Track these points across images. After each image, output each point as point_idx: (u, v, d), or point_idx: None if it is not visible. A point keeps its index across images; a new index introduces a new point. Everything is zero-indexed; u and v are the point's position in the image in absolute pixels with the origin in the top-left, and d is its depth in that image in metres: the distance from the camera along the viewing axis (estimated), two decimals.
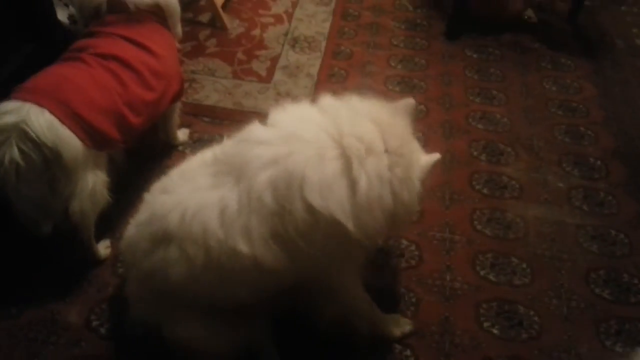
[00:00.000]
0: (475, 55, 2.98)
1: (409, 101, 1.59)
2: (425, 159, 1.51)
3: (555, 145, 2.48)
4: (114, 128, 1.77)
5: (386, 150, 1.40)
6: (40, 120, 1.58)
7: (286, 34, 3.00)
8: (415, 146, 1.52)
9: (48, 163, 1.61)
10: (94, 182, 1.74)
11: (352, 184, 1.35)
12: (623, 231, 2.11)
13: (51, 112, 1.60)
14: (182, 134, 2.33)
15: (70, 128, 1.63)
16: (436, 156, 1.52)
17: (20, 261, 1.90)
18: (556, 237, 2.08)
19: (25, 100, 1.60)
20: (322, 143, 1.37)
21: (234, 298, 1.46)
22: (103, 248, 1.92)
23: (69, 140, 1.63)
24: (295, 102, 1.53)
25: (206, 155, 1.55)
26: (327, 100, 1.51)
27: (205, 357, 1.53)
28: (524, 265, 1.98)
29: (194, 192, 1.43)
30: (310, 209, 1.32)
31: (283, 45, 2.93)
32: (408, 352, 1.72)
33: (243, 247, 1.35)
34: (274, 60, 2.82)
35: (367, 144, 1.37)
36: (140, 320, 1.56)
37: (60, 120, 1.61)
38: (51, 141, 1.59)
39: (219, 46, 2.89)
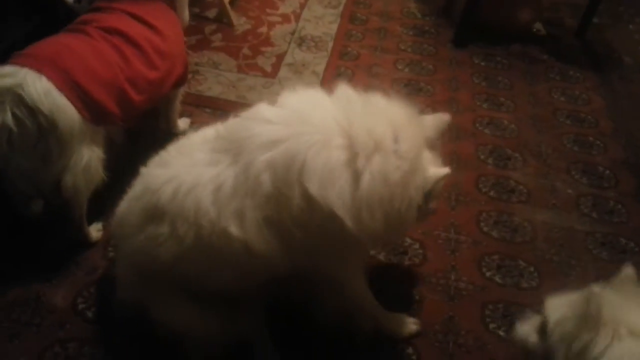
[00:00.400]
0: (483, 63, 2.95)
1: (444, 116, 1.52)
2: (434, 170, 1.42)
3: (563, 153, 2.43)
4: (113, 102, 1.70)
5: (395, 152, 1.32)
6: (37, 86, 1.51)
7: (293, 33, 2.97)
8: (427, 156, 1.43)
9: (42, 131, 1.54)
10: (89, 157, 1.66)
11: (355, 178, 1.28)
12: (633, 239, 2.05)
13: (49, 78, 1.54)
14: (183, 123, 2.27)
15: (67, 97, 1.57)
16: (445, 170, 1.43)
17: (8, 240, 1.82)
18: (565, 243, 2.02)
19: (22, 65, 1.54)
20: (329, 129, 1.30)
21: (222, 282, 1.39)
22: (95, 230, 1.84)
23: (65, 109, 1.56)
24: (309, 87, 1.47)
25: (208, 131, 1.49)
26: (343, 89, 1.43)
27: (194, 343, 1.45)
28: (532, 269, 1.91)
29: (190, 167, 1.36)
30: (307, 196, 1.25)
31: (290, 43, 2.89)
32: (410, 350, 1.63)
33: (234, 229, 1.27)
34: (280, 57, 2.78)
35: (376, 139, 1.30)
36: (127, 301, 1.48)
37: (57, 87, 1.55)
38: (47, 108, 1.52)
39: (225, 41, 2.85)
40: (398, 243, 1.92)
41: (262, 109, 1.39)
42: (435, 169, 1.42)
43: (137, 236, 1.38)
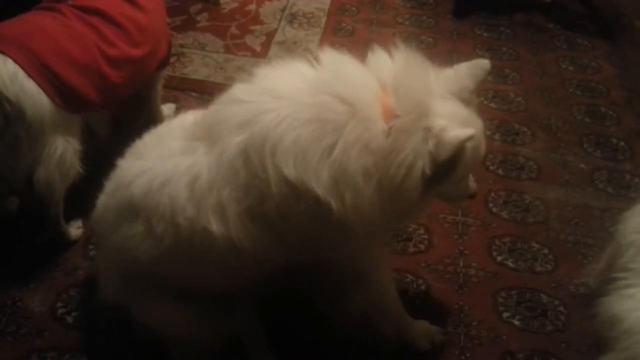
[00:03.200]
0: (485, 34, 2.79)
1: (482, 63, 1.28)
2: (456, 131, 1.12)
3: (574, 126, 2.28)
4: (91, 87, 1.56)
5: (386, 113, 1.14)
6: (2, 70, 1.39)
7: (283, 10, 2.81)
8: (449, 112, 1.17)
9: (9, 120, 1.41)
10: (64, 148, 1.53)
11: (329, 152, 1.10)
12: None
13: (15, 61, 1.41)
14: (167, 109, 2.12)
15: (37, 82, 1.44)
16: (469, 132, 1.11)
17: None
18: (580, 221, 1.88)
19: None
20: (300, 102, 1.13)
21: (209, 282, 1.26)
22: (74, 228, 1.71)
23: (34, 95, 1.43)
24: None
25: (187, 117, 1.35)
26: (328, 54, 1.25)
27: (179, 345, 1.33)
28: (546, 251, 1.78)
29: (163, 158, 1.22)
30: (285, 180, 1.10)
31: (280, 20, 2.74)
32: None
33: (215, 227, 1.13)
34: (270, 35, 2.63)
35: (352, 103, 1.12)
36: (109, 303, 1.35)
37: (25, 71, 1.42)
38: (13, 94, 1.39)
39: (211, 20, 2.69)
40: (401, 229, 1.79)
41: (235, 89, 1.23)
42: (455, 130, 1.12)
43: (112, 236, 1.26)
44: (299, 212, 1.13)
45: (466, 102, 1.23)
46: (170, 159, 1.20)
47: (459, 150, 1.12)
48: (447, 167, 1.14)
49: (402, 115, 1.13)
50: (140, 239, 1.20)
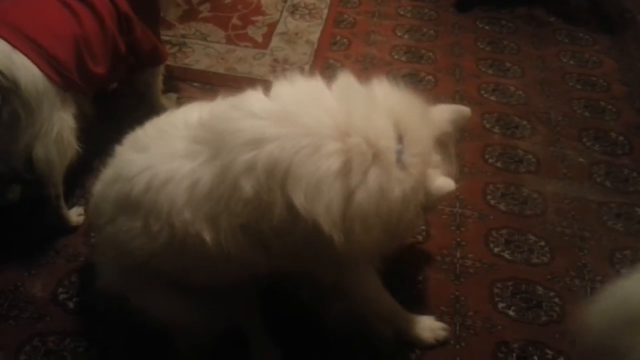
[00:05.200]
0: (487, 28, 2.79)
1: (463, 110, 1.34)
2: (440, 183, 1.23)
3: (574, 120, 2.29)
4: (73, 63, 1.57)
5: (398, 162, 1.16)
6: None
7: (285, 1, 2.81)
8: (434, 161, 1.26)
9: (4, 95, 1.41)
10: (61, 126, 1.54)
11: (348, 192, 1.11)
12: None
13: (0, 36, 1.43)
14: (167, 100, 2.13)
15: (26, 54, 1.45)
16: (451, 185, 1.24)
17: None
18: (577, 215, 1.89)
19: None
20: (322, 132, 1.12)
21: (201, 280, 1.28)
22: (75, 215, 1.72)
23: (26, 67, 1.44)
24: (308, 75, 1.30)
25: (192, 113, 1.31)
26: (346, 80, 1.24)
27: (179, 332, 1.35)
28: (542, 243, 1.79)
29: (166, 157, 1.21)
30: (290, 206, 1.10)
31: (282, 11, 2.74)
32: None
33: (207, 235, 1.15)
34: (272, 26, 2.63)
35: (377, 148, 1.13)
36: (108, 290, 1.37)
37: (12, 44, 1.43)
38: (5, 67, 1.40)
39: (213, 11, 2.70)
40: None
41: (251, 99, 1.21)
42: (440, 183, 1.23)
43: (109, 226, 1.27)
44: (294, 234, 1.13)
45: (444, 146, 1.30)
46: (173, 159, 1.20)
47: (442, 197, 1.25)
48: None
49: (409, 166, 1.17)
50: (137, 233, 1.21)
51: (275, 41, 2.54)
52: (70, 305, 1.54)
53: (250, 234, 1.15)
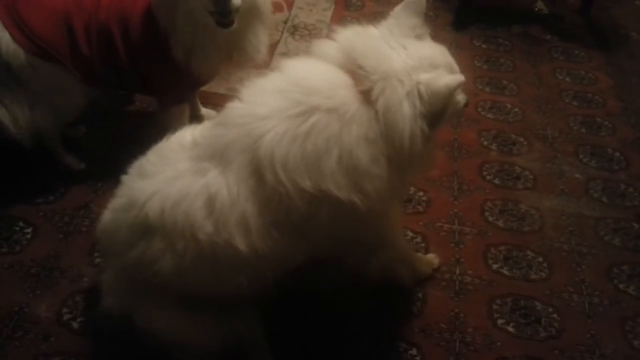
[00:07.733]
0: (484, 46, 2.84)
1: None
2: (443, 82, 1.17)
3: (570, 136, 2.32)
4: (55, 36, 1.69)
5: (373, 94, 1.19)
6: None
7: (286, 22, 2.86)
8: (415, 59, 1.25)
9: None
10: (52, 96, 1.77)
11: (334, 159, 1.17)
12: None
13: None
14: (207, 113, 2.25)
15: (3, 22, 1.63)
16: (457, 79, 1.19)
17: None
18: (575, 230, 1.92)
19: None
20: (288, 117, 1.18)
21: (233, 287, 1.30)
22: (77, 161, 1.96)
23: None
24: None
25: (185, 136, 1.37)
26: (288, 62, 1.30)
27: (184, 352, 1.36)
28: (540, 259, 1.81)
29: (173, 179, 1.26)
30: (304, 191, 1.17)
31: (282, 32, 2.79)
32: (414, 351, 1.54)
33: (240, 241, 1.20)
34: (273, 47, 2.67)
35: (336, 110, 1.18)
36: (112, 311, 1.38)
37: None
38: None
39: None
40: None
41: (229, 111, 1.27)
42: (442, 79, 1.18)
43: (129, 252, 1.29)
44: (324, 215, 1.20)
45: (420, 37, 1.35)
46: (179, 179, 1.24)
47: (450, 96, 1.20)
48: (442, 112, 1.21)
49: (378, 91, 1.19)
50: (160, 254, 1.24)
51: (276, 62, 2.58)
52: (75, 325, 1.56)
53: (283, 228, 1.21)
